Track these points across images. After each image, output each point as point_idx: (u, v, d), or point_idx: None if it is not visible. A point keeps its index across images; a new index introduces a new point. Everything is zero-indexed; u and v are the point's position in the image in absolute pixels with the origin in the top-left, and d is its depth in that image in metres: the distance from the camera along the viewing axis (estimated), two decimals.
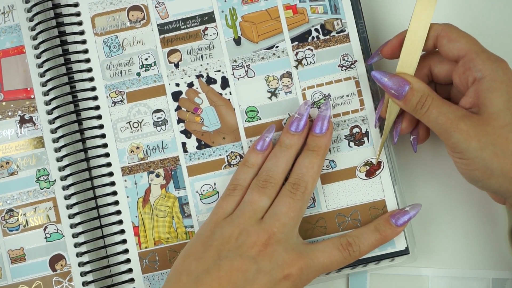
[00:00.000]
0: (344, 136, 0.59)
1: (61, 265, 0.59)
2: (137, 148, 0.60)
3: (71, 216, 0.59)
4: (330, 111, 0.58)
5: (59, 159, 0.60)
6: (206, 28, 0.60)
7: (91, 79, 0.60)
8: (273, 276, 0.52)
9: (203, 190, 0.59)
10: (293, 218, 0.54)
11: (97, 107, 0.60)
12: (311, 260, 0.54)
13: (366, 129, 0.59)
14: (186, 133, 0.60)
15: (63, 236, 0.59)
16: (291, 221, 0.54)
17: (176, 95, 0.60)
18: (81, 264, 0.59)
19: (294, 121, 0.57)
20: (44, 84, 0.60)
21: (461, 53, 0.53)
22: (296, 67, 0.60)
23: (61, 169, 0.60)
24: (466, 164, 0.53)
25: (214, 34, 0.60)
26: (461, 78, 0.54)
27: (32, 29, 0.61)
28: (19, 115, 0.60)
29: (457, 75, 0.54)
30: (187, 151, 0.60)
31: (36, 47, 0.61)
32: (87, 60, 0.60)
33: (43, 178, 0.60)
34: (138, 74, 0.60)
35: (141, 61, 0.60)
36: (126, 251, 0.59)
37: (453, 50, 0.53)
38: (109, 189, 0.59)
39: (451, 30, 0.54)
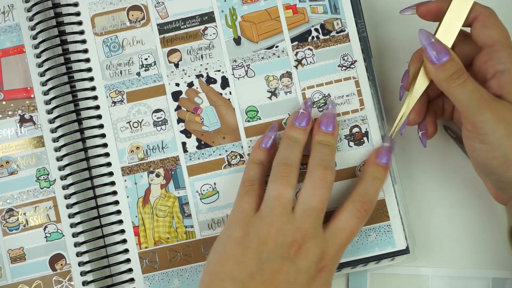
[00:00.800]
0: (344, 136, 0.59)
1: (61, 264, 0.59)
2: (137, 148, 0.60)
3: (71, 216, 0.59)
4: (335, 109, 0.58)
5: (59, 159, 0.60)
6: (206, 28, 0.60)
7: (91, 79, 0.60)
8: (311, 273, 0.52)
9: (203, 190, 0.59)
10: (322, 210, 0.54)
11: (97, 107, 0.60)
12: (337, 244, 0.53)
13: (366, 129, 0.59)
14: (186, 133, 0.60)
15: (63, 235, 0.59)
16: (321, 213, 0.53)
17: (176, 95, 0.60)
18: (81, 264, 0.59)
19: (300, 116, 0.57)
20: (44, 84, 0.60)
21: (489, 42, 0.53)
22: (296, 67, 0.60)
23: (61, 168, 0.60)
24: (485, 151, 0.52)
25: (214, 34, 0.60)
26: (481, 66, 0.54)
27: (32, 28, 0.61)
28: (19, 115, 0.60)
29: (478, 62, 0.54)
30: (187, 151, 0.60)
31: (36, 47, 0.60)
32: (87, 60, 0.60)
33: (43, 177, 0.60)
34: (138, 74, 0.60)
35: (141, 61, 0.60)
36: (126, 251, 0.59)
37: (482, 36, 0.53)
38: (109, 189, 0.59)
39: (488, 17, 0.54)
